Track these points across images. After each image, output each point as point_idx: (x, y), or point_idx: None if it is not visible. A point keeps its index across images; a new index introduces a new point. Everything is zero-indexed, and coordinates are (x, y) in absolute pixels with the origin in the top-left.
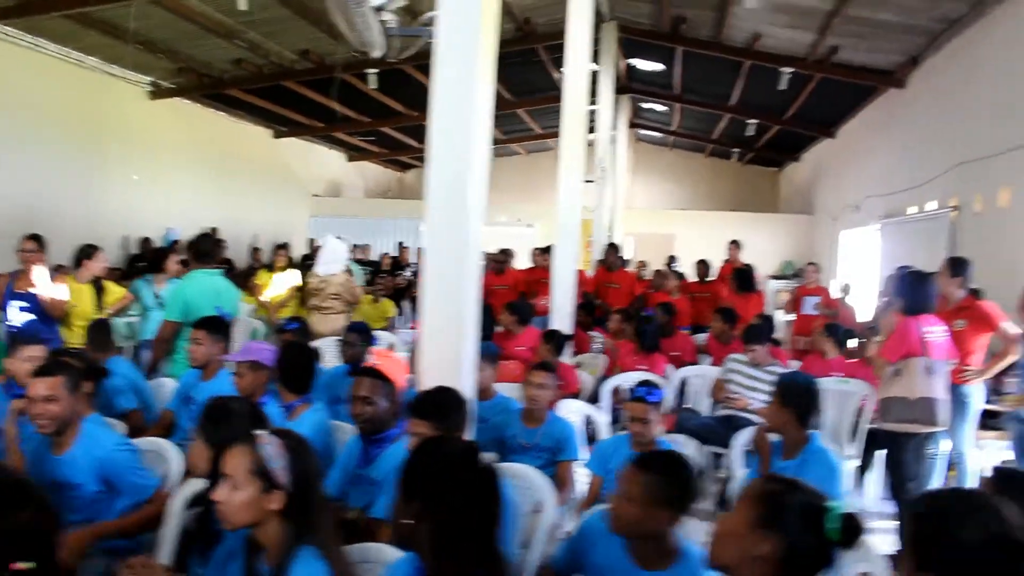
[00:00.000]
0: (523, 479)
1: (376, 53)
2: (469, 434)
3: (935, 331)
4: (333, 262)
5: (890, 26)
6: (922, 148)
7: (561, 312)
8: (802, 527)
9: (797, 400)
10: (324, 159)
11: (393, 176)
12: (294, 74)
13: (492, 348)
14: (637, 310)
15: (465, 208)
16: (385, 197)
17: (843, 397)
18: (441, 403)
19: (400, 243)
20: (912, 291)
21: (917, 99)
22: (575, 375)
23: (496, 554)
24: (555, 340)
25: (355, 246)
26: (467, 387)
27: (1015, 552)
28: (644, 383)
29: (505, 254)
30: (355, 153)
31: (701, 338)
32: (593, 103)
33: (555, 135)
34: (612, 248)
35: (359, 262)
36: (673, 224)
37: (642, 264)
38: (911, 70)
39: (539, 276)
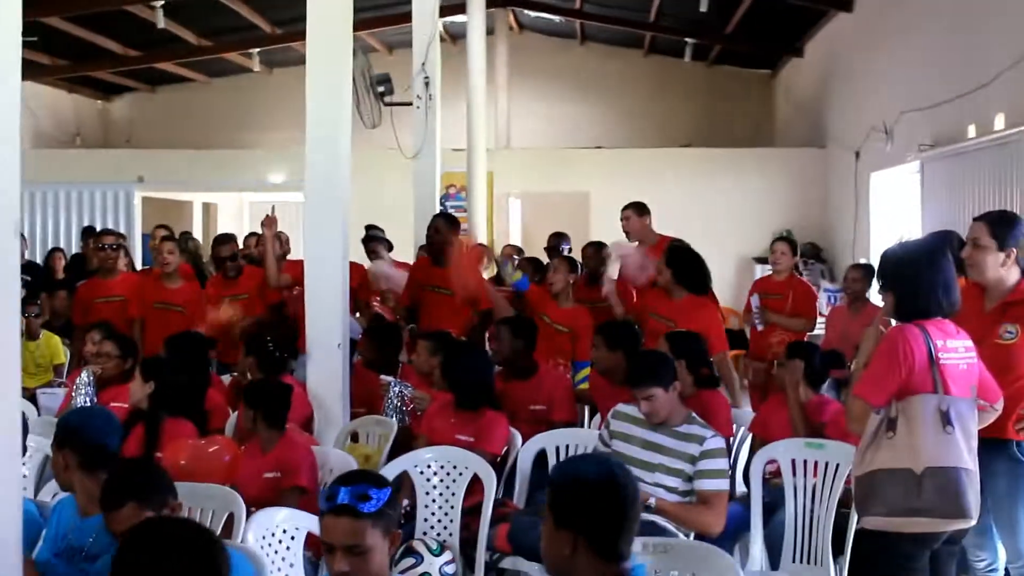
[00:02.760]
0: None
1: None
2: None
3: None
4: None
5: None
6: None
7: (327, 323)
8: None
9: None
10: None
11: (91, 108)
12: None
13: None
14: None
15: None
16: (73, 146)
17: None
18: None
19: (87, 228)
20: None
21: None
22: None
23: None
24: None
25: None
26: None
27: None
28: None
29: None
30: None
31: None
32: None
33: None
34: (445, 225)
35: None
36: (588, 173)
37: (512, 250)
38: None
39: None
